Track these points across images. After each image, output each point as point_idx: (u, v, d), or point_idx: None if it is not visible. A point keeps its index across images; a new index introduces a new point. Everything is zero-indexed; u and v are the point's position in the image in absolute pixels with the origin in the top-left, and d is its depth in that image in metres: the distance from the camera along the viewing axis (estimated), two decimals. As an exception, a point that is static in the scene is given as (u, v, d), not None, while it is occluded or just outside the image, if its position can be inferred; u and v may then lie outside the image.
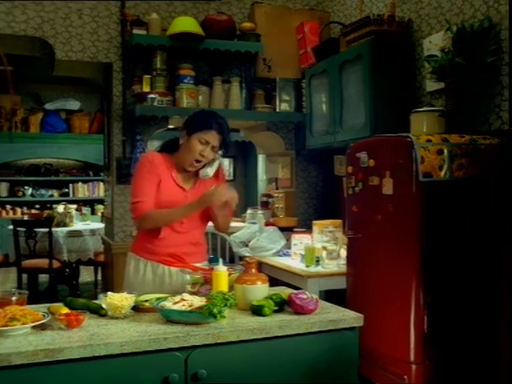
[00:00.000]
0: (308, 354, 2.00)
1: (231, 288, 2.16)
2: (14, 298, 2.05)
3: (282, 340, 1.95)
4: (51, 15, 4.53)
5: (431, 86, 3.69)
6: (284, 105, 4.83)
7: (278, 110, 4.80)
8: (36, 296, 5.78)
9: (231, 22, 4.71)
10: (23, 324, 1.83)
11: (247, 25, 4.76)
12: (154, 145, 7.57)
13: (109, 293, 2.06)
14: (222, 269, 2.13)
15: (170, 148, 2.68)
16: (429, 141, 3.00)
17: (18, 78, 8.11)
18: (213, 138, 2.53)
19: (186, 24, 4.47)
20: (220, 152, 2.63)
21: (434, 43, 3.52)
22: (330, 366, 2.03)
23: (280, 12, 4.94)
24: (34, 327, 1.86)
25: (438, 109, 3.41)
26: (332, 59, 4.34)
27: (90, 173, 9.46)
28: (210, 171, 2.61)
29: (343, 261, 3.64)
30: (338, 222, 3.98)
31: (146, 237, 2.60)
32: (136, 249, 2.65)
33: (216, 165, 2.63)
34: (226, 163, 9.27)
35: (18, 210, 9.07)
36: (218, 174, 2.69)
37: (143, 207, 2.51)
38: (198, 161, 2.55)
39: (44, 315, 1.92)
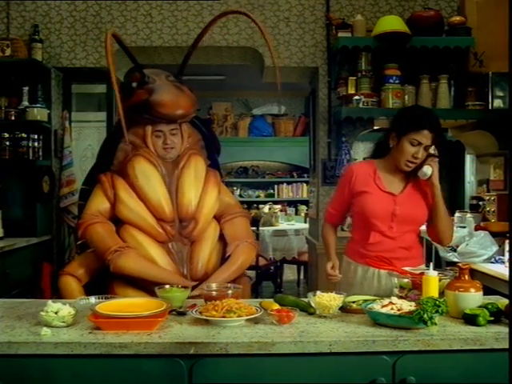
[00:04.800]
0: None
1: (441, 294, 2.08)
2: (229, 292, 2.19)
3: (498, 354, 1.81)
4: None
5: None
6: (497, 101, 4.50)
7: (490, 108, 4.50)
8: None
9: (439, 17, 4.53)
10: (239, 316, 1.94)
11: (456, 18, 4.54)
12: (359, 146, 7.57)
13: (318, 292, 2.10)
14: (432, 274, 2.05)
15: (380, 152, 2.65)
16: None
17: (229, 85, 8.69)
18: (425, 137, 2.41)
19: (392, 23, 4.39)
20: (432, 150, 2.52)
21: None
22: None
23: (493, 2, 4.61)
24: (247, 320, 1.96)
25: None
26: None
27: (294, 174, 9.75)
28: (428, 170, 2.45)
29: None
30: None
31: (358, 241, 2.63)
32: (349, 252, 2.69)
33: (435, 164, 2.47)
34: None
35: (228, 210, 9.67)
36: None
37: (327, 216, 2.78)
38: (411, 161, 2.46)
39: (257, 309, 2.01)
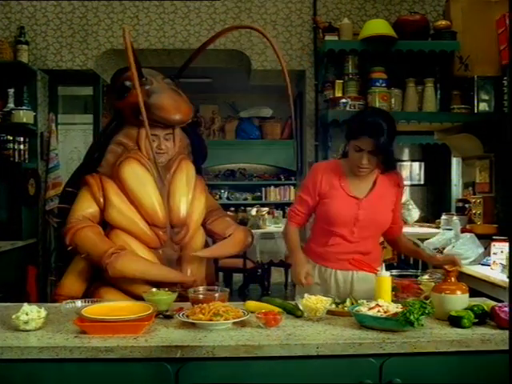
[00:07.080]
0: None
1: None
2: (216, 295, 2.19)
3: (484, 356, 1.83)
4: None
5: None
6: (483, 105, 4.54)
7: (475, 111, 4.53)
8: (230, 293, 6.10)
9: (425, 21, 4.57)
10: (225, 319, 1.93)
11: (442, 23, 4.58)
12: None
13: (306, 295, 2.10)
14: (385, 274, 2.07)
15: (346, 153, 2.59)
16: None
17: (216, 88, 8.68)
18: (365, 144, 2.36)
19: (378, 27, 4.42)
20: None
21: None
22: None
23: (478, 6, 4.64)
24: (234, 323, 1.96)
25: None
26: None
27: (282, 177, 9.75)
28: None
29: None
30: (546, 230, 3.64)
31: (317, 241, 2.60)
32: (308, 252, 2.63)
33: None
34: (416, 167, 8.98)
35: (215, 212, 9.64)
36: (398, 181, 2.58)
37: (291, 217, 2.65)
38: (360, 167, 2.43)
39: (244, 312, 2.01)
